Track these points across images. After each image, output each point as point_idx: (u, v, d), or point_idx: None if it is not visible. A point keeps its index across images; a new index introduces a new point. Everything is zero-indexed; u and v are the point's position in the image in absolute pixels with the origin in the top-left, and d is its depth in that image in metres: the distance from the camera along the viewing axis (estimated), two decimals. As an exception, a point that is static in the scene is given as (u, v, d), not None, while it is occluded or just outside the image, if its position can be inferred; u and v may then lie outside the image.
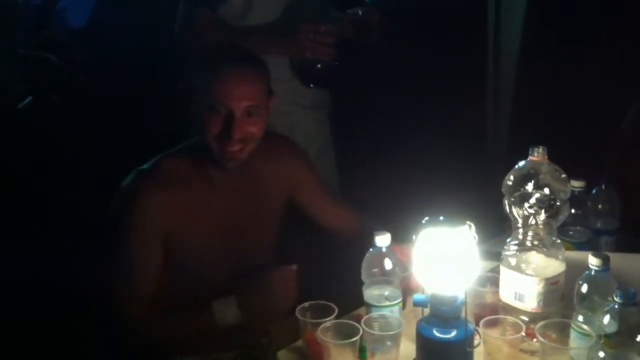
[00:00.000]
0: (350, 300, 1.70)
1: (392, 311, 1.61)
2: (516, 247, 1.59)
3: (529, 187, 1.57)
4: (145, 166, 1.85)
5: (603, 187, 2.02)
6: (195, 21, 2.39)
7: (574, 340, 1.44)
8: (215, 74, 1.78)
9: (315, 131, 2.58)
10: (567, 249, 1.67)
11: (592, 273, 1.46)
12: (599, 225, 1.99)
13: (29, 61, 3.27)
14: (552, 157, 1.59)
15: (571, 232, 1.94)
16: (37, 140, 2.93)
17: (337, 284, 1.90)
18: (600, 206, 2.00)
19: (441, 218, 1.40)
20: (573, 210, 1.84)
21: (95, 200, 2.59)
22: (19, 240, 2.66)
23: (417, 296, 1.42)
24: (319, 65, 2.41)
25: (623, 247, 1.93)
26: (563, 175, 1.59)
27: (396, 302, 1.63)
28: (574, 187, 1.87)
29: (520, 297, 1.54)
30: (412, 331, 1.43)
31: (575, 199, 1.84)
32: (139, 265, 1.78)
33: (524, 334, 1.49)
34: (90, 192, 2.66)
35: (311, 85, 2.46)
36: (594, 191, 2.02)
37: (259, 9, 2.40)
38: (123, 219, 1.79)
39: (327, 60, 2.39)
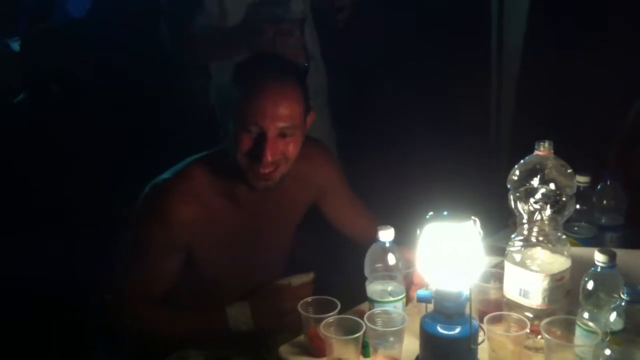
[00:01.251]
0: (353, 296, 1.68)
1: (395, 307, 1.59)
2: (521, 243, 1.57)
3: (535, 182, 1.55)
4: (171, 175, 1.78)
5: (608, 182, 2.00)
6: (179, 38, 2.47)
7: (580, 338, 1.43)
8: (248, 89, 1.67)
9: (317, 122, 2.58)
10: (572, 244, 1.66)
11: (599, 269, 1.44)
12: (603, 221, 1.98)
13: (30, 52, 3.25)
14: (556, 152, 1.58)
15: (576, 228, 1.94)
16: (37, 133, 2.91)
17: (340, 279, 1.89)
18: (605, 202, 1.99)
19: (445, 213, 1.38)
20: (578, 206, 1.83)
21: (97, 195, 2.58)
22: (18, 237, 2.65)
23: (421, 292, 1.41)
24: None
25: (628, 243, 1.92)
26: (569, 170, 1.57)
27: (399, 297, 1.61)
28: (579, 182, 1.85)
29: (525, 294, 1.53)
30: (416, 327, 1.42)
31: (580, 195, 1.83)
32: (154, 270, 1.77)
33: (528, 330, 1.47)
34: (93, 186, 2.65)
35: None
36: (599, 187, 2.00)
37: (233, 16, 2.43)
38: (146, 227, 1.76)
39: (295, 59, 2.37)
